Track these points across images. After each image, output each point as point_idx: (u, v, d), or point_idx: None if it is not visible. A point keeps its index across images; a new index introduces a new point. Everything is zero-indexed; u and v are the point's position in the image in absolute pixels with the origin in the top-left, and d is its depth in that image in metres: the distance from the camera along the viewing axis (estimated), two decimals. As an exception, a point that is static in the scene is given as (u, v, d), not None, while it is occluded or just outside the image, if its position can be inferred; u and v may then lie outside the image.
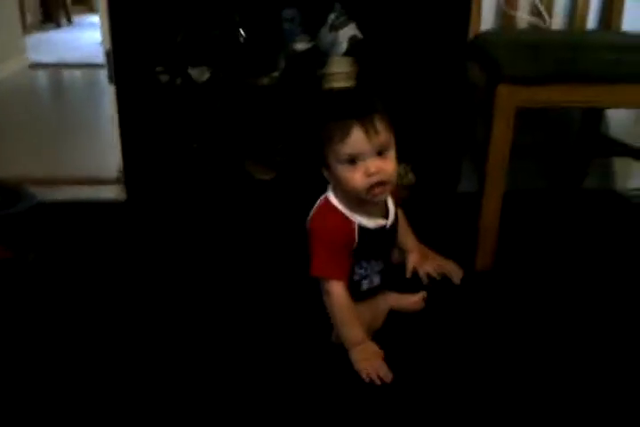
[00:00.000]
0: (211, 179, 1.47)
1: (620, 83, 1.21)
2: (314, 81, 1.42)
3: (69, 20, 5.45)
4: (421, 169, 1.63)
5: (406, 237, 1.23)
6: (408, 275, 1.21)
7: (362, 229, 1.03)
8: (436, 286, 1.22)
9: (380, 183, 0.97)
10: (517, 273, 1.36)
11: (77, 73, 3.77)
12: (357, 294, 1.10)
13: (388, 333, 1.10)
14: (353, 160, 0.96)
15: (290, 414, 0.93)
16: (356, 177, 0.96)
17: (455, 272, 1.28)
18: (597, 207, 1.74)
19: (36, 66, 3.77)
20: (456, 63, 1.44)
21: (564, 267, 1.40)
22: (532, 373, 1.03)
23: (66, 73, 3.78)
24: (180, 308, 1.19)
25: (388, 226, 1.07)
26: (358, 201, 1.02)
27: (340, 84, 1.43)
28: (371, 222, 1.05)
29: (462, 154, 1.67)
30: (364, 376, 0.98)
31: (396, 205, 1.15)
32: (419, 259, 1.23)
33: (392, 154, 0.99)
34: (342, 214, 1.03)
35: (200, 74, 1.37)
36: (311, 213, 1.07)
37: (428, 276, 1.23)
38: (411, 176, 1.63)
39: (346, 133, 0.94)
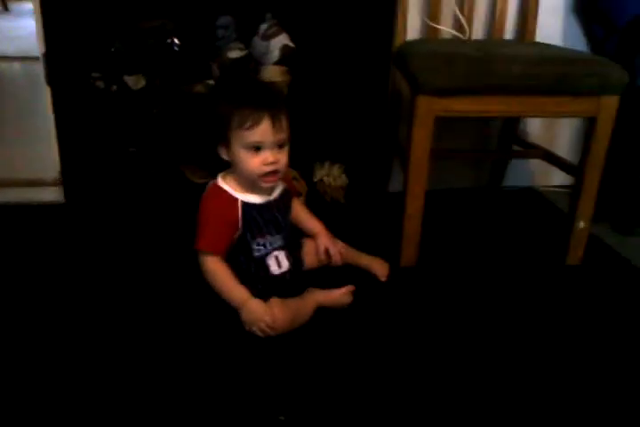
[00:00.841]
0: (147, 182, 1.52)
1: (526, 94, 1.32)
2: (247, 88, 1.48)
3: (5, 8, 5.27)
4: (353, 171, 1.73)
5: (310, 223, 1.33)
6: (321, 256, 1.30)
7: (246, 204, 1.15)
8: (362, 283, 1.31)
9: (274, 172, 1.11)
10: (440, 268, 1.44)
11: (16, 66, 3.67)
12: (271, 281, 1.19)
13: (315, 328, 1.17)
14: (256, 148, 1.08)
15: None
16: (255, 163, 1.09)
17: (381, 270, 1.38)
18: (516, 204, 1.86)
19: (-28, 58, 3.66)
20: (381, 72, 1.53)
21: (484, 262, 1.49)
22: (457, 363, 1.10)
23: (3, 65, 3.68)
24: (113, 305, 1.22)
25: (272, 199, 1.19)
26: (248, 182, 1.14)
27: (272, 91, 1.49)
28: (256, 198, 1.17)
29: (391, 156, 1.77)
30: (259, 334, 1.10)
31: (294, 194, 1.30)
32: (328, 239, 1.31)
33: (287, 149, 1.13)
34: (226, 193, 1.15)
35: (136, 81, 1.41)
36: (203, 195, 1.18)
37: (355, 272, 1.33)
38: (344, 177, 1.72)
39: (257, 122, 1.06)
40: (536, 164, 1.91)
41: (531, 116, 1.79)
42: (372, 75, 1.55)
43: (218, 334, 1.15)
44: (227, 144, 1.11)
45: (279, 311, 1.13)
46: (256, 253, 1.19)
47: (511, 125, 1.81)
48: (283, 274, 1.23)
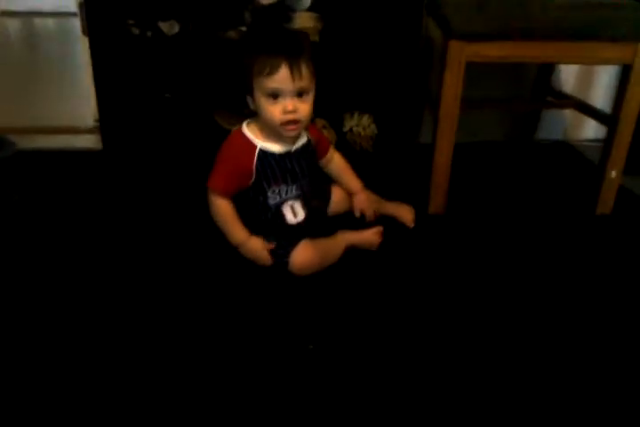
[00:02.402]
0: (182, 128, 1.55)
1: (563, 40, 1.30)
2: (279, 35, 1.49)
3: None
4: (383, 121, 1.73)
5: (348, 180, 1.35)
6: (357, 215, 1.32)
7: (263, 152, 1.16)
8: (391, 229, 1.34)
9: (294, 121, 1.11)
10: (468, 217, 1.45)
11: (50, 22, 3.70)
12: (287, 230, 1.22)
13: (345, 270, 1.20)
14: (275, 95, 1.08)
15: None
16: (275, 111, 1.10)
17: (407, 216, 1.40)
18: (547, 157, 1.85)
19: (6, 14, 3.70)
20: (413, 18, 1.52)
21: (513, 211, 1.50)
22: (486, 314, 1.10)
23: (37, 21, 3.71)
24: (153, 254, 1.26)
25: (292, 150, 1.19)
26: (271, 130, 1.15)
27: (304, 38, 1.50)
28: (276, 147, 1.17)
29: (422, 106, 1.76)
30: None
31: (327, 145, 1.31)
32: (364, 200, 1.33)
33: (310, 98, 1.12)
34: (246, 139, 1.17)
35: (170, 27, 1.43)
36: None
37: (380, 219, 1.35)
38: (373, 127, 1.73)
39: (274, 69, 1.06)
40: (569, 116, 1.89)
41: (564, 63, 1.75)
42: (404, 22, 1.53)
43: (247, 269, 1.20)
44: (251, 92, 1.12)
45: (308, 251, 1.17)
46: (271, 202, 1.20)
47: (545, 75, 1.78)
48: (298, 223, 1.25)
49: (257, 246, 1.18)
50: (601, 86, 1.88)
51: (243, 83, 1.13)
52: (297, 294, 1.14)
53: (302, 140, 1.22)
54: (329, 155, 1.32)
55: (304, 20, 1.48)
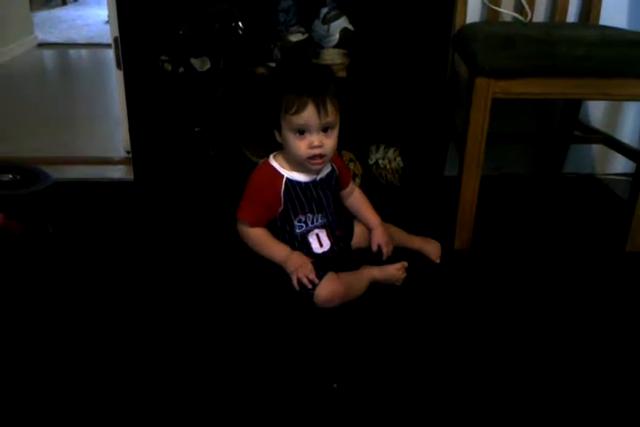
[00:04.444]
0: (211, 161, 1.58)
1: (588, 77, 1.30)
2: (308, 71, 1.53)
3: (73, -2, 5.50)
4: (409, 154, 1.74)
5: (367, 215, 1.35)
6: (374, 249, 1.32)
7: (290, 181, 1.20)
8: (416, 264, 1.33)
9: (320, 155, 1.15)
10: (494, 252, 1.44)
11: (84, 52, 3.85)
12: (313, 259, 1.22)
13: (369, 304, 1.21)
14: (302, 131, 1.13)
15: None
16: (301, 146, 1.14)
17: (434, 251, 1.40)
18: (575, 191, 1.83)
19: (44, 45, 3.85)
20: (440, 55, 1.54)
21: (539, 246, 1.48)
22: (512, 347, 1.10)
23: (72, 52, 3.86)
24: (183, 284, 1.27)
25: (317, 179, 1.23)
26: (296, 162, 1.19)
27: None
28: (302, 177, 1.21)
29: (447, 141, 1.77)
30: (294, 283, 1.17)
31: (348, 178, 1.34)
32: (382, 235, 1.33)
33: (335, 132, 1.16)
34: (273, 169, 1.21)
35: (201, 64, 1.48)
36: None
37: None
38: (399, 161, 1.74)
39: (301, 108, 1.10)
40: (597, 150, 1.88)
41: (592, 99, 1.75)
42: (431, 58, 1.56)
43: (273, 300, 1.20)
44: (278, 128, 1.17)
45: (333, 284, 1.17)
46: (297, 230, 1.24)
47: (572, 110, 1.78)
48: (325, 253, 1.26)
49: (301, 257, 1.20)
50: (629, 121, 1.87)
51: (270, 118, 1.18)
52: (320, 328, 1.14)
53: (327, 170, 1.26)
54: (349, 188, 1.34)
55: (332, 57, 1.51)
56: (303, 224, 1.24)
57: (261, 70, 1.49)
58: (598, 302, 1.26)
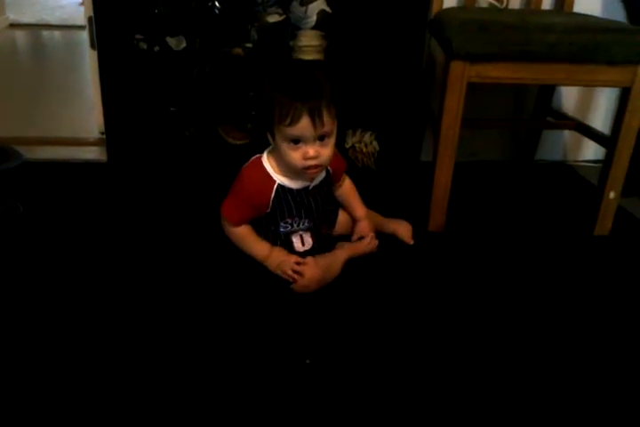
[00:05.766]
0: (186, 142, 1.57)
1: (561, 62, 1.33)
2: (284, 52, 1.52)
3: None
4: (385, 138, 1.75)
5: (354, 206, 1.33)
6: (353, 239, 1.32)
7: (282, 188, 1.16)
8: (390, 246, 1.35)
9: (315, 166, 1.10)
10: (467, 235, 1.46)
11: (57, 34, 3.77)
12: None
13: (344, 287, 1.21)
14: (296, 141, 1.07)
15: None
16: (296, 156, 1.08)
17: (406, 233, 1.41)
18: (546, 178, 1.86)
19: (16, 26, 3.77)
20: (417, 39, 1.55)
21: (511, 230, 1.51)
22: (483, 333, 1.11)
23: (45, 33, 3.78)
24: (156, 265, 1.26)
25: (310, 186, 1.19)
26: (291, 169, 1.13)
27: (309, 56, 1.53)
28: (294, 183, 1.16)
29: (423, 125, 1.79)
30: (284, 277, 1.16)
31: (342, 171, 1.28)
32: (366, 228, 1.32)
33: (332, 141, 1.10)
34: (266, 172, 1.15)
35: (177, 42, 1.46)
36: (244, 165, 1.19)
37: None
38: (375, 144, 1.75)
39: (296, 119, 1.03)
40: (569, 137, 1.91)
41: (563, 85, 1.78)
42: (408, 42, 1.57)
43: (251, 286, 1.20)
44: (271, 131, 1.11)
45: (311, 271, 1.17)
46: (281, 229, 1.21)
47: (546, 97, 1.80)
48: (305, 251, 1.25)
49: (280, 254, 1.19)
50: (601, 108, 1.90)
51: (263, 119, 1.11)
52: (296, 309, 1.15)
53: (321, 176, 1.21)
54: (341, 181, 1.31)
55: (309, 38, 1.51)
56: (289, 226, 1.21)
57: (238, 51, 1.48)
58: (567, 283, 1.29)
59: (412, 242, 1.40)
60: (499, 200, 1.68)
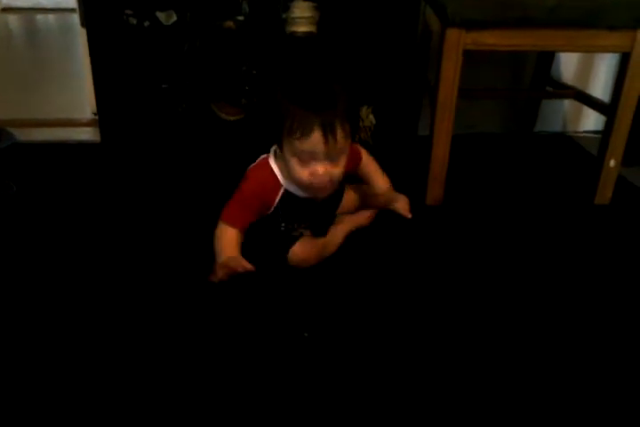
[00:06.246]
0: (179, 119, 1.55)
1: (559, 28, 1.30)
2: (277, 24, 1.49)
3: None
4: (382, 111, 1.73)
5: (376, 182, 1.26)
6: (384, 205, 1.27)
7: (289, 194, 1.09)
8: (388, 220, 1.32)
9: (323, 185, 1.03)
10: (466, 208, 1.45)
11: (51, 17, 3.71)
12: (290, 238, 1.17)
13: (343, 261, 1.19)
14: (306, 156, 0.99)
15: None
16: (303, 173, 1.01)
17: (403, 206, 1.38)
18: (546, 149, 1.84)
19: (9, 10, 3.71)
20: (411, 8, 1.51)
21: (511, 201, 1.49)
22: (483, 304, 1.09)
23: (39, 17, 3.72)
24: (150, 246, 1.24)
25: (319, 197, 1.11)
26: (297, 184, 1.06)
27: (302, 28, 1.50)
28: (300, 191, 1.09)
29: (420, 97, 1.76)
30: (212, 278, 1.05)
31: (358, 158, 1.20)
32: (386, 201, 1.26)
33: (343, 159, 1.03)
34: (273, 175, 1.08)
35: (167, 17, 1.43)
36: (251, 166, 1.13)
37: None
38: (372, 118, 1.73)
39: (306, 133, 0.96)
40: (568, 108, 1.88)
41: (562, 51, 1.75)
42: (402, 10, 1.53)
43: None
44: (280, 145, 1.03)
45: (308, 245, 1.14)
46: (282, 228, 1.15)
47: (544, 66, 1.77)
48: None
49: (235, 257, 1.05)
50: (600, 77, 1.87)
51: (271, 128, 1.03)
52: (294, 284, 1.13)
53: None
54: (361, 163, 1.23)
55: (302, 10, 1.48)
56: (290, 226, 1.15)
57: (229, 24, 1.45)
58: (569, 256, 1.27)
59: (409, 216, 1.38)
60: (497, 172, 1.67)
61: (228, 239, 1.07)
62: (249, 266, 1.02)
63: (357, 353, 0.96)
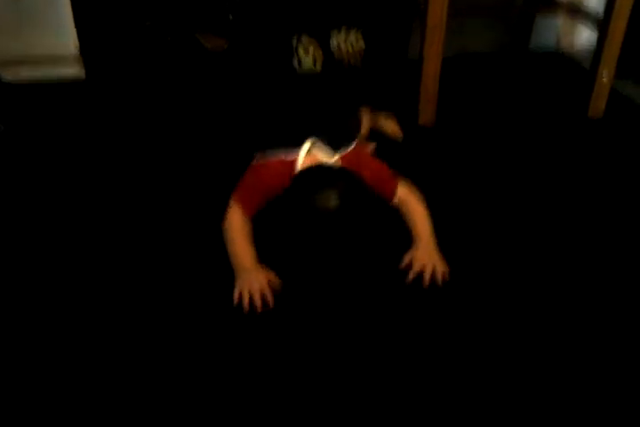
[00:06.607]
0: (165, 51, 1.52)
1: None
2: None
3: None
4: (372, 35, 1.69)
5: (416, 227, 1.08)
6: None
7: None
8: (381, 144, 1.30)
9: None
10: (459, 127, 1.44)
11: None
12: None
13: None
14: None
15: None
16: None
17: (394, 129, 1.38)
18: (539, 66, 1.80)
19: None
20: None
21: (505, 117, 1.49)
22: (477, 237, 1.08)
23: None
24: (136, 189, 1.22)
25: None
26: None
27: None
28: None
29: (411, 19, 1.71)
30: (235, 301, 0.96)
31: (388, 188, 1.09)
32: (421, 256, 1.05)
33: None
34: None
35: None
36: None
37: None
38: (361, 43, 1.70)
39: None
40: (562, 24, 1.84)
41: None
42: None
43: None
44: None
45: None
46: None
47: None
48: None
49: (258, 278, 0.98)
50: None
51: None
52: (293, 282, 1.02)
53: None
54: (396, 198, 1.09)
55: None
56: None
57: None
58: (564, 167, 1.29)
59: (400, 135, 1.37)
60: (490, 91, 1.65)
61: (239, 239, 1.02)
62: (270, 300, 0.96)
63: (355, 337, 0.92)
